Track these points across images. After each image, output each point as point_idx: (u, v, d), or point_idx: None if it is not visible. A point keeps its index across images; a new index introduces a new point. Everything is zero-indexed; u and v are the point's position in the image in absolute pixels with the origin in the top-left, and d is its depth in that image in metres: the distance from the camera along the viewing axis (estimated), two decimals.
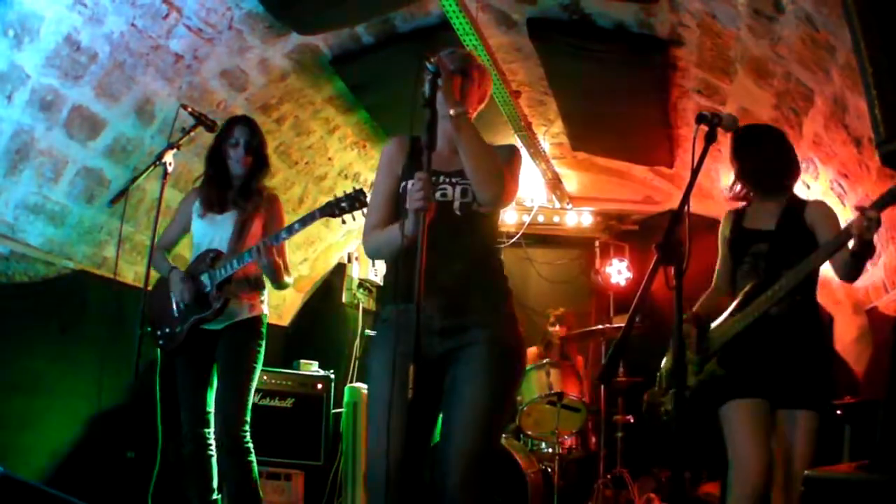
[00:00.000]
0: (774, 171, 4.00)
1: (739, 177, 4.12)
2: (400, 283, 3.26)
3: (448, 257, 3.15)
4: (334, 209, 4.33)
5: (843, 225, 3.69)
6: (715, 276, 4.24)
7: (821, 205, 3.93)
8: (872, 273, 5.06)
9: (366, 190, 4.26)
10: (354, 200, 4.30)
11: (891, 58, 1.64)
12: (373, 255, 3.72)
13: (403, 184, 3.29)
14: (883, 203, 3.35)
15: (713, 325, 3.96)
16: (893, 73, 1.64)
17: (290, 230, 4.49)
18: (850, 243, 3.49)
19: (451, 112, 3.11)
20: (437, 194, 3.26)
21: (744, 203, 4.20)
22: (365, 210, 4.16)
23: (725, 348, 3.86)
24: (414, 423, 2.90)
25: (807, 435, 3.61)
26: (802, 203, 3.95)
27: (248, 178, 4.79)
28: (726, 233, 4.19)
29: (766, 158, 4.00)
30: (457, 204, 3.28)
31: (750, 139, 4.06)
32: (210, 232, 4.73)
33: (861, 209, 3.45)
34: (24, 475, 4.42)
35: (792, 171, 4.04)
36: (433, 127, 3.02)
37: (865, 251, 3.48)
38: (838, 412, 4.27)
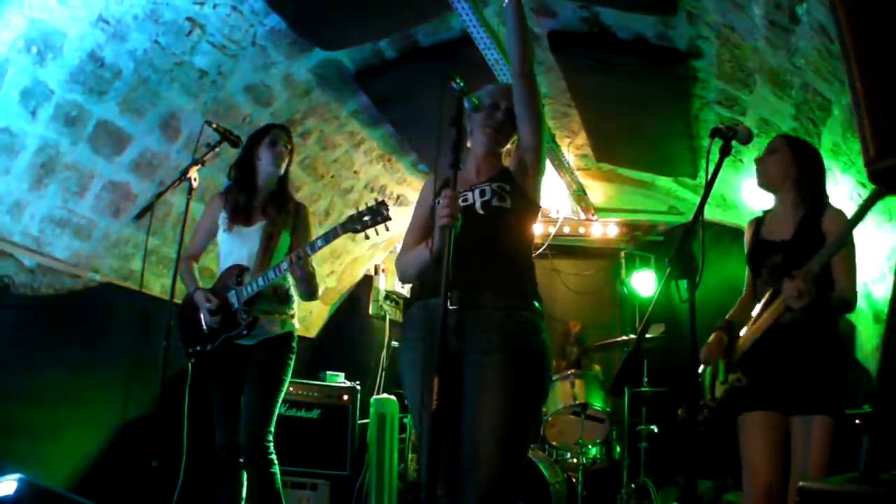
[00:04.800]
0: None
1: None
2: (427, 284, 3.34)
3: (469, 256, 3.15)
4: (356, 224, 4.19)
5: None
6: (745, 284, 4.23)
7: (837, 214, 3.82)
8: (892, 283, 5.04)
9: (388, 202, 4.25)
10: (377, 214, 4.15)
11: (880, 76, 1.66)
12: (402, 275, 3.72)
13: (433, 205, 3.33)
14: (857, 219, 3.38)
15: (741, 333, 3.96)
16: (882, 91, 1.65)
17: (314, 246, 4.38)
18: None
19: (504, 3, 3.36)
20: (459, 200, 3.26)
21: (764, 210, 4.20)
22: (388, 224, 4.18)
23: (745, 358, 3.87)
24: (439, 427, 2.86)
25: (821, 440, 3.56)
26: (821, 209, 3.86)
27: (280, 183, 4.82)
28: (746, 244, 4.19)
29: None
30: (478, 204, 3.33)
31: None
32: (237, 246, 4.71)
33: (794, 277, 3.50)
34: (50, 484, 4.50)
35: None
36: (458, 146, 3.09)
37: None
38: (857, 421, 4.25)
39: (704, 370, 4.14)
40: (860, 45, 1.69)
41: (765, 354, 3.78)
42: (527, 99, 3.41)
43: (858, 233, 3.68)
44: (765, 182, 4.10)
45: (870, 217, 3.76)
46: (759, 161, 4.12)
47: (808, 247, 3.68)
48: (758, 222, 4.18)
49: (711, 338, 4.08)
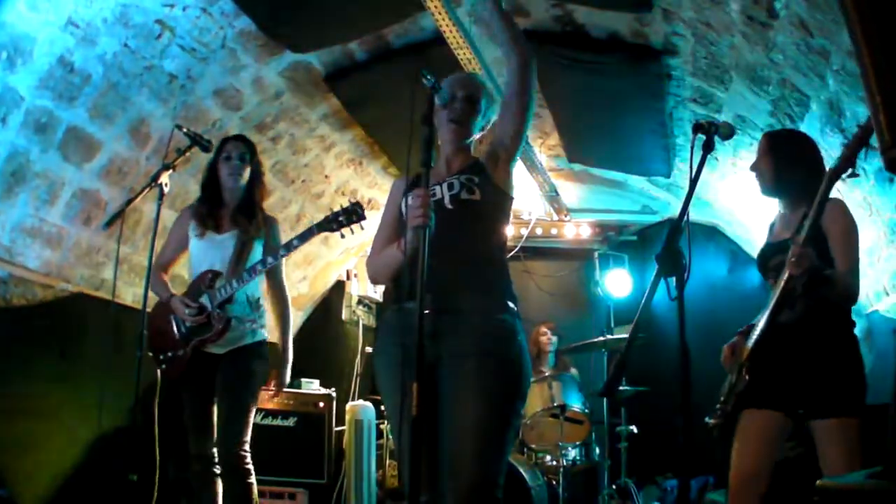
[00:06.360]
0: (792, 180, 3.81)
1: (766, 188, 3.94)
2: (401, 287, 3.26)
3: (440, 254, 3.01)
4: (332, 224, 4.34)
5: (847, 226, 3.61)
6: None
7: (833, 208, 3.60)
8: (873, 276, 5.04)
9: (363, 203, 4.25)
10: (352, 214, 4.32)
11: (892, 61, 1.63)
12: (374, 276, 3.59)
13: (404, 203, 3.28)
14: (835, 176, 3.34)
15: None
16: (895, 76, 1.62)
17: (289, 247, 4.49)
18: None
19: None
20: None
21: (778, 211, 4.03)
22: (363, 223, 4.31)
23: (750, 356, 3.77)
24: (420, 434, 2.71)
25: (843, 444, 3.42)
26: (824, 204, 3.52)
27: (246, 194, 4.79)
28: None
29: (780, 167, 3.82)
30: (446, 198, 3.26)
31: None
32: (210, 252, 4.68)
33: (794, 242, 3.40)
34: (27, 499, 4.41)
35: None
36: (430, 144, 3.01)
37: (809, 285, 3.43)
38: None
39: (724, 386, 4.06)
40: (871, 33, 1.65)
41: (770, 353, 3.66)
42: (524, 90, 3.36)
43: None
44: (763, 188, 3.94)
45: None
46: (752, 168, 3.95)
47: (811, 243, 3.54)
48: (770, 228, 4.05)
49: (732, 342, 3.99)
